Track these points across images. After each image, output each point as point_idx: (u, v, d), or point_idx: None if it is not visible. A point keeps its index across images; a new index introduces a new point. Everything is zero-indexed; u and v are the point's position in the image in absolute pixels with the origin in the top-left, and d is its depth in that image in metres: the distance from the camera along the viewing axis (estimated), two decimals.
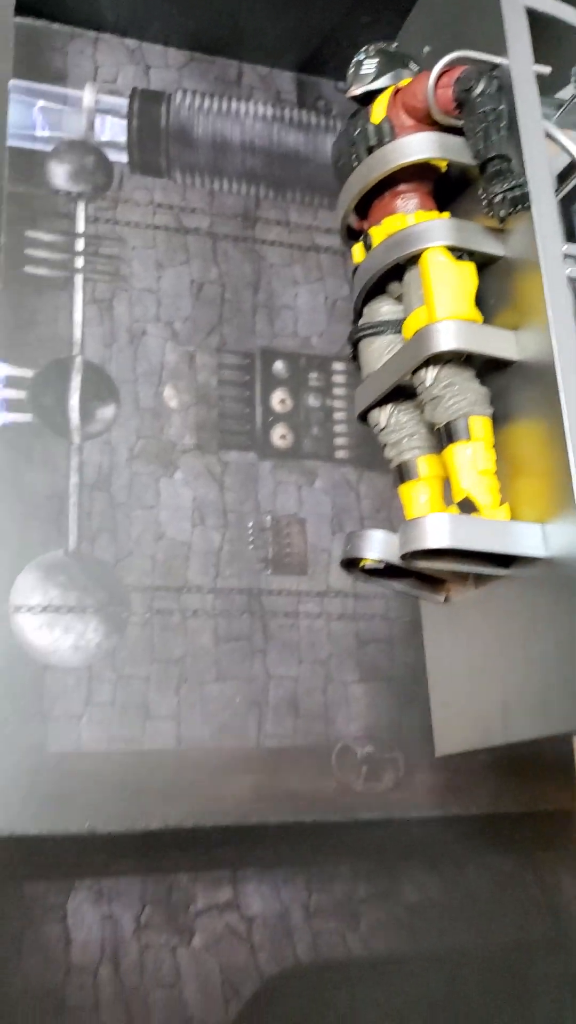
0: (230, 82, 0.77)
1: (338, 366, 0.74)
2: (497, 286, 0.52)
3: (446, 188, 0.56)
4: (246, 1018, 0.56)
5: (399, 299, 0.55)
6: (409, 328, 0.52)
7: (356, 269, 0.57)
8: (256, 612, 0.68)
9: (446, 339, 0.49)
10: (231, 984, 0.57)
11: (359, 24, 0.74)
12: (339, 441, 0.73)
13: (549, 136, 0.52)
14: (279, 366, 0.73)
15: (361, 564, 0.54)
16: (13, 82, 0.70)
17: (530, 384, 0.49)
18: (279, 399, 0.72)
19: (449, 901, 0.64)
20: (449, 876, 0.65)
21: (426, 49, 0.60)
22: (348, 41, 0.75)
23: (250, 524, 0.69)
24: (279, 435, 0.72)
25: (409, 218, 0.53)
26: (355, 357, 0.57)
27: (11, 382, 0.65)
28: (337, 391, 0.74)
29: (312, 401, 0.73)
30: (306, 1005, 0.58)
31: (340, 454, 0.73)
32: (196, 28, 0.75)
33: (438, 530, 0.47)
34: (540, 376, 0.48)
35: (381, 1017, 0.59)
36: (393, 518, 0.73)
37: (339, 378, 0.74)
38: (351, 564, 0.54)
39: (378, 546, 0.52)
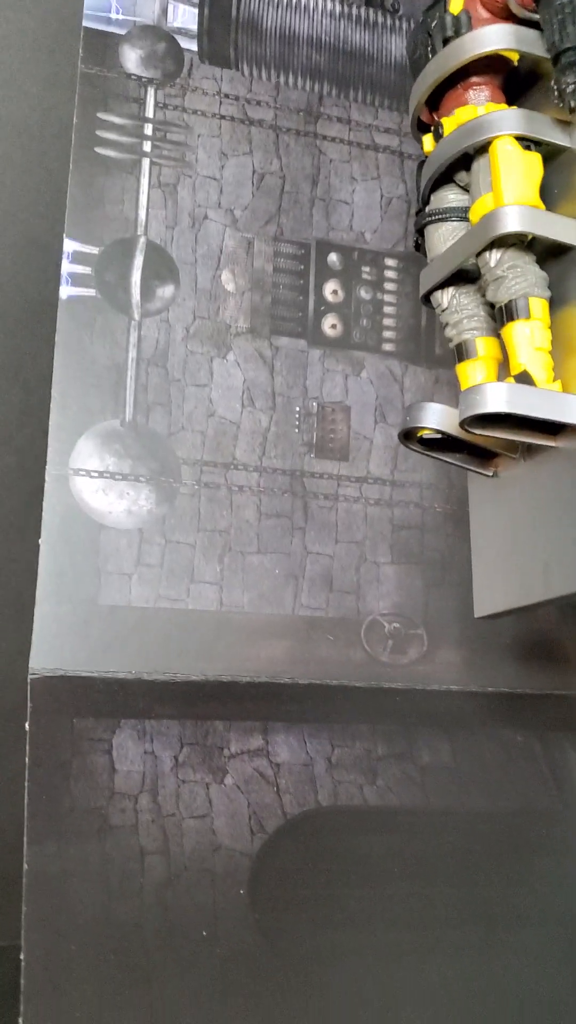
0: None
1: (390, 262, 0.77)
2: (562, 178, 0.54)
3: (516, 83, 0.58)
4: (268, 849, 0.61)
5: (466, 188, 0.57)
6: (476, 213, 0.55)
7: (423, 162, 0.60)
8: (298, 492, 0.72)
9: (512, 221, 0.52)
10: (257, 819, 0.62)
11: None
12: (387, 335, 0.76)
13: None
14: (333, 258, 0.76)
15: (419, 434, 0.57)
16: None
17: None
18: (331, 290, 0.75)
19: (460, 766, 0.69)
20: (462, 744, 0.70)
21: None
22: None
23: (297, 408, 0.73)
24: (329, 324, 0.75)
25: (480, 110, 0.55)
26: (418, 246, 0.60)
27: (77, 258, 0.69)
28: (388, 286, 0.77)
29: (363, 294, 0.76)
30: (323, 843, 0.63)
31: (387, 347, 0.76)
32: None
33: (498, 396, 0.50)
34: None
35: (389, 860, 0.64)
36: None
37: (391, 273, 0.77)
38: (409, 435, 0.58)
39: (437, 417, 0.56)
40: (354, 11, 0.80)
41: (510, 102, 0.58)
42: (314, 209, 0.75)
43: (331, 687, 0.69)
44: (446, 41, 0.56)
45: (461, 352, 0.58)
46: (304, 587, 0.71)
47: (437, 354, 0.77)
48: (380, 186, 0.77)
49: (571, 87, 0.51)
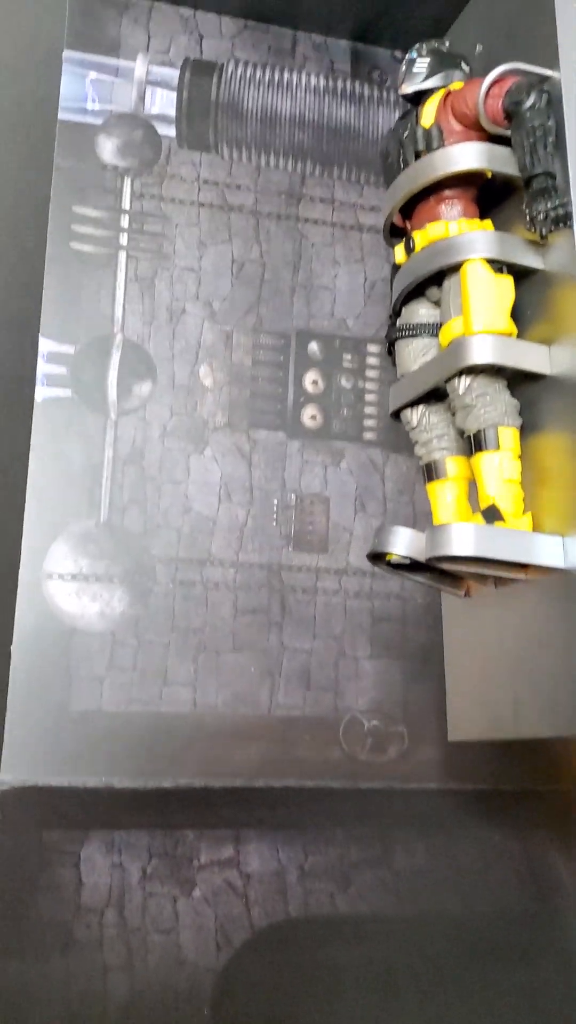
0: (283, 52, 0.77)
1: (372, 348, 0.76)
2: (535, 297, 0.53)
3: (490, 192, 0.56)
4: (234, 964, 0.61)
5: (437, 303, 0.56)
6: (445, 336, 0.54)
7: (396, 268, 0.59)
8: (275, 587, 0.71)
9: (480, 353, 0.51)
10: (224, 932, 0.62)
11: None
12: (368, 423, 0.75)
13: None
14: (314, 347, 0.75)
15: (387, 558, 0.57)
16: (67, 53, 0.71)
17: (561, 398, 0.51)
18: (312, 380, 0.74)
19: (436, 869, 0.69)
20: (438, 845, 0.69)
21: (478, 48, 0.60)
22: (406, 10, 0.75)
23: (275, 501, 0.72)
24: (309, 415, 0.74)
25: (452, 225, 0.54)
26: (391, 352, 0.59)
27: (52, 358, 0.68)
28: (370, 373, 0.76)
29: (344, 382, 0.75)
30: (290, 956, 0.63)
31: (368, 436, 0.75)
32: None
33: (464, 538, 0.50)
34: (570, 392, 0.49)
35: (359, 972, 0.64)
36: (416, 501, 0.75)
37: (372, 360, 0.76)
38: (378, 557, 0.57)
39: (405, 543, 0.55)
40: (339, 85, 0.78)
41: (484, 211, 0.57)
42: (295, 297, 0.74)
43: (307, 789, 0.68)
44: (418, 155, 0.55)
45: (431, 472, 0.57)
46: (281, 685, 0.70)
47: None
48: (364, 269, 0.76)
49: (541, 215, 0.50)
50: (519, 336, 0.53)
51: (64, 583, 0.67)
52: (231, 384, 0.72)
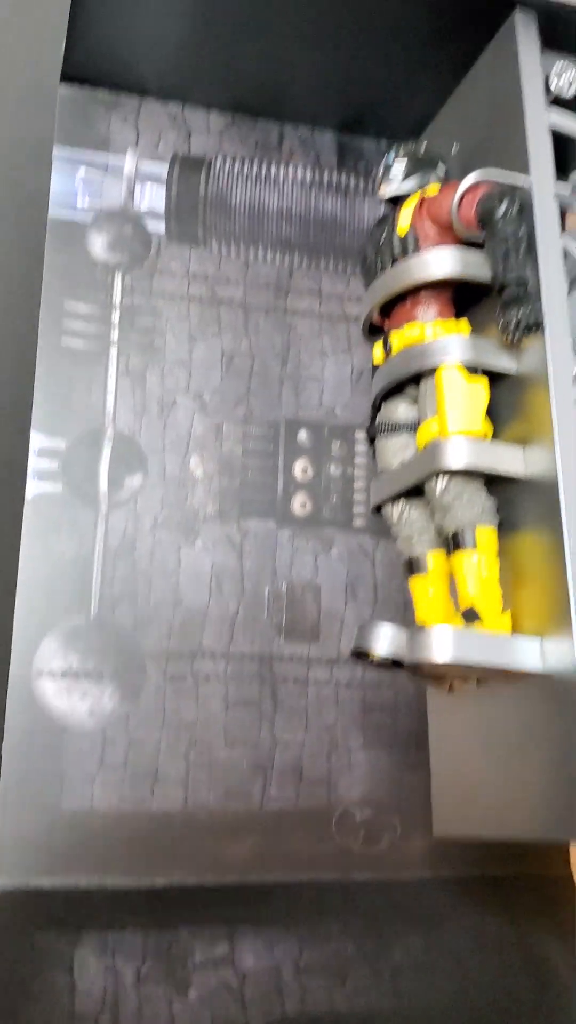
0: (270, 145, 0.78)
1: (360, 435, 0.76)
2: (509, 397, 0.54)
3: (467, 290, 0.57)
4: None
5: (415, 400, 0.57)
6: (423, 436, 0.55)
7: (376, 367, 0.60)
8: (266, 678, 0.71)
9: (456, 457, 0.52)
10: None
11: (403, 84, 0.74)
12: (357, 510, 0.76)
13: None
14: (303, 436, 0.75)
15: (370, 656, 0.57)
16: (57, 150, 0.72)
17: (535, 499, 0.51)
18: (301, 468, 0.75)
19: (433, 961, 0.68)
20: (435, 936, 0.69)
21: (455, 147, 0.61)
22: (390, 103, 0.76)
23: (266, 591, 0.72)
24: (299, 503, 0.74)
25: (428, 328, 0.56)
26: (372, 446, 0.60)
27: (44, 452, 0.69)
28: (358, 460, 0.76)
29: (333, 470, 0.76)
30: None
31: (358, 522, 0.75)
32: (239, 90, 0.76)
33: (443, 644, 0.50)
34: (545, 493, 0.50)
35: None
36: (406, 588, 0.75)
37: (361, 447, 0.76)
38: (361, 654, 0.57)
39: (388, 642, 0.56)
40: (325, 178, 0.79)
41: (462, 308, 0.58)
42: (284, 387, 0.75)
43: (300, 884, 0.68)
44: (394, 260, 0.56)
45: (412, 567, 0.58)
46: (273, 779, 0.70)
47: None
48: (351, 358, 0.77)
49: (514, 323, 0.51)
50: (495, 434, 0.54)
51: (54, 680, 0.66)
52: (221, 474, 0.73)
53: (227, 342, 0.74)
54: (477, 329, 0.55)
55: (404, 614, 0.75)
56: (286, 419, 0.75)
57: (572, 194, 0.66)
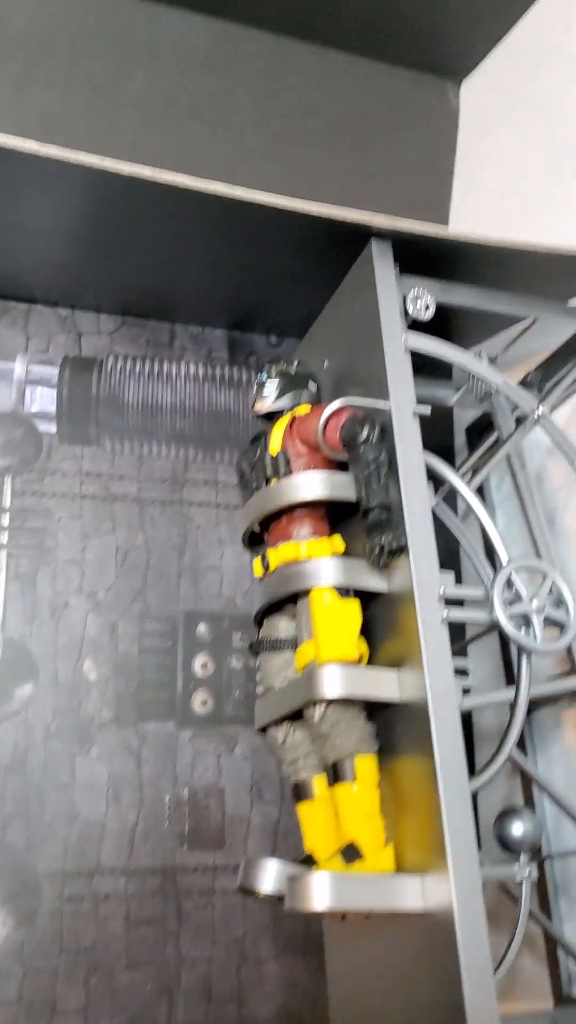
0: (162, 344, 0.80)
1: None
2: (384, 615, 0.53)
3: (339, 506, 0.57)
4: None
5: (295, 615, 0.57)
6: (300, 658, 0.54)
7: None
8: (170, 893, 0.68)
9: (331, 686, 0.51)
10: None
11: (289, 289, 0.77)
12: None
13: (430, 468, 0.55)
14: (202, 629, 0.74)
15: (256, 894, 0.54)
16: None
17: (412, 724, 0.50)
18: (201, 663, 0.74)
19: None
20: None
21: (325, 363, 0.63)
22: (276, 304, 0.79)
23: (166, 798, 0.70)
24: (200, 701, 0.73)
25: (302, 547, 0.55)
26: (255, 656, 0.59)
27: None
28: None
29: (235, 663, 0.74)
30: None
31: None
32: (128, 294, 0.77)
33: (322, 892, 0.48)
34: (418, 718, 0.49)
35: None
36: None
37: None
38: (247, 891, 0.55)
39: (272, 879, 0.53)
40: (217, 372, 0.81)
41: (337, 521, 0.58)
42: (181, 580, 0.74)
43: None
44: (268, 480, 0.57)
45: (299, 792, 0.56)
46: (179, 1001, 0.66)
47: None
48: None
49: (378, 548, 0.51)
50: (373, 654, 0.53)
51: None
52: (117, 676, 0.71)
53: (121, 538, 0.74)
54: (351, 541, 0.55)
55: None
56: (184, 612, 0.74)
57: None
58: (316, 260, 0.61)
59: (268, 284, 0.72)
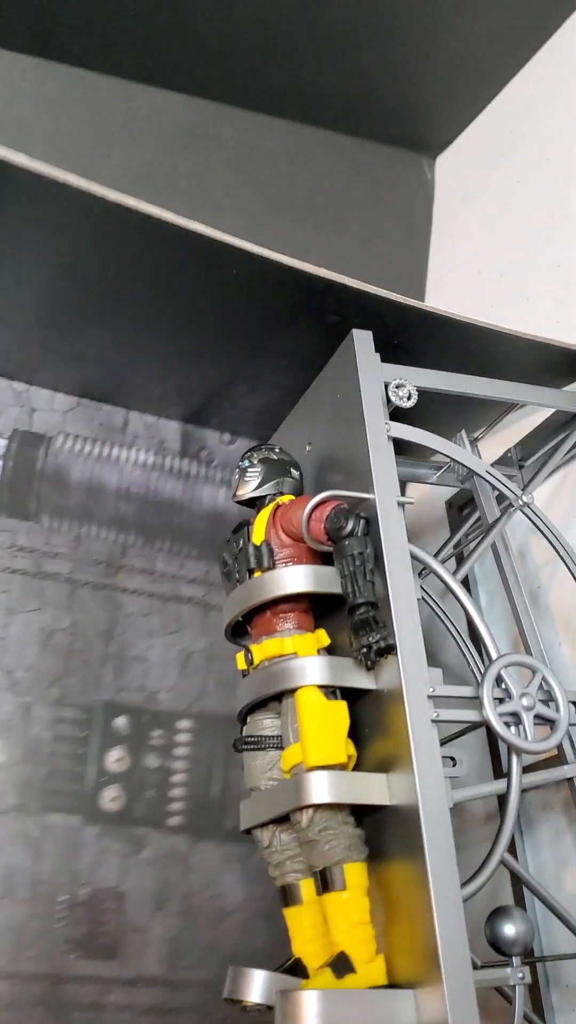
0: (115, 428, 0.79)
1: (183, 723, 0.72)
2: (373, 714, 0.52)
3: (324, 598, 0.55)
4: None
5: (280, 713, 0.54)
6: (287, 760, 0.51)
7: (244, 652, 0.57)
8: (52, 1003, 0.62)
9: (319, 792, 0.49)
10: None
11: (242, 390, 0.77)
12: (174, 807, 0.70)
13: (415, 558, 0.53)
14: (120, 722, 0.71)
15: (243, 1003, 0.50)
16: None
17: (402, 828, 0.48)
18: (115, 758, 0.70)
19: None
20: None
21: (308, 447, 0.62)
22: (231, 400, 0.79)
23: (63, 898, 0.65)
24: (110, 797, 0.69)
25: (287, 643, 0.53)
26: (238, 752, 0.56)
27: None
28: (179, 751, 0.72)
29: (151, 761, 0.71)
30: None
31: (173, 821, 0.70)
32: (85, 378, 0.77)
33: (310, 1011, 0.44)
34: (408, 822, 0.47)
35: None
36: (223, 894, 0.69)
37: (183, 737, 0.72)
38: (234, 1001, 0.51)
39: (259, 989, 0.50)
40: (167, 462, 0.80)
41: (323, 613, 0.56)
42: (104, 668, 0.72)
43: None
44: (251, 571, 0.55)
45: (286, 896, 0.53)
46: None
47: (228, 828, 0.71)
48: (181, 639, 0.75)
49: (365, 648, 0.49)
50: (360, 752, 0.51)
51: None
52: (25, 761, 0.67)
53: (48, 618, 0.71)
54: (336, 634, 0.53)
55: (216, 928, 0.68)
56: (104, 702, 0.71)
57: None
58: (287, 345, 0.61)
59: (224, 375, 0.72)
